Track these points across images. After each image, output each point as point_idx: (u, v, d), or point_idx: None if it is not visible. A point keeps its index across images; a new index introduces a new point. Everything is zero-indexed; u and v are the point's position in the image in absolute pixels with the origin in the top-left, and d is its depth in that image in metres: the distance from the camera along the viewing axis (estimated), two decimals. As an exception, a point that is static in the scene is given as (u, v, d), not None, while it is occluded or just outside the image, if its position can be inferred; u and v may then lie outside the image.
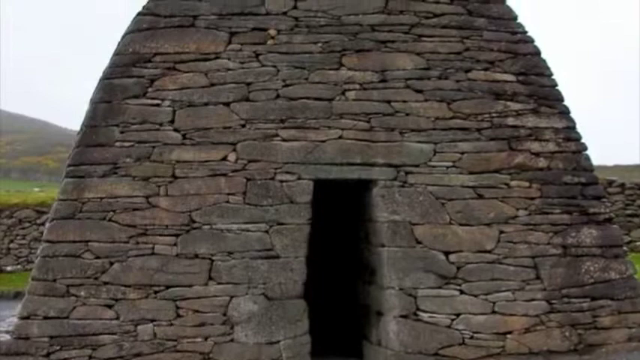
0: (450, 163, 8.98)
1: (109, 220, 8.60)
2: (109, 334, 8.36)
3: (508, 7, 9.55)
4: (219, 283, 8.55)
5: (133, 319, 8.39)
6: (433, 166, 8.96)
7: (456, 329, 8.61)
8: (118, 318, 8.39)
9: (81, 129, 8.98)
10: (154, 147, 8.76)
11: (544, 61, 9.42)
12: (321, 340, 9.20)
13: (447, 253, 8.77)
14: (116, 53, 9.09)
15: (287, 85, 9.01)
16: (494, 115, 9.11)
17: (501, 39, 9.36)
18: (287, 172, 8.81)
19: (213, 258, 8.58)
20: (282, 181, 8.79)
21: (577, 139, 9.22)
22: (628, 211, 21.25)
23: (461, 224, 8.84)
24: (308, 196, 8.80)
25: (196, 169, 8.74)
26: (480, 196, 8.93)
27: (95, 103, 8.90)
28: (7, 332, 8.57)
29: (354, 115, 8.97)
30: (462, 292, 8.70)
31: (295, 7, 9.24)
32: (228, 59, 9.04)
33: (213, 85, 8.96)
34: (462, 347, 8.61)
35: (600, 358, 8.61)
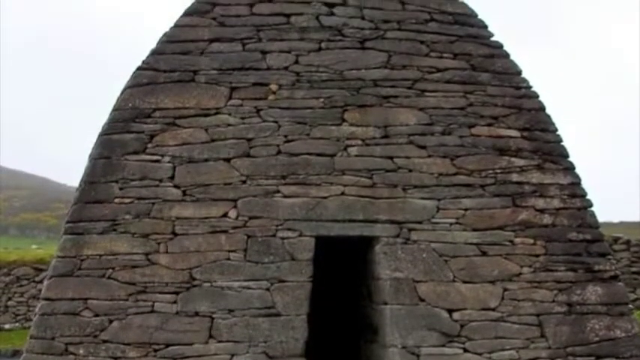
0: (454, 220, 9.60)
1: (108, 277, 9.17)
2: (108, 393, 8.93)
3: (512, 61, 10.26)
4: (219, 342, 9.06)
5: (132, 378, 8.93)
6: (436, 223, 9.57)
7: (460, 388, 9.21)
8: (117, 377, 8.92)
9: (80, 185, 9.60)
10: (153, 203, 9.39)
11: (549, 116, 10.09)
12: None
13: (450, 311, 9.33)
14: (115, 108, 9.75)
15: (288, 141, 9.68)
16: (498, 171, 9.78)
17: (505, 94, 10.07)
18: (288, 229, 9.42)
19: (214, 316, 9.11)
20: (283, 238, 9.39)
21: (582, 195, 9.84)
22: (633, 269, 21.91)
23: (464, 281, 9.42)
24: (309, 253, 9.39)
25: (196, 225, 9.35)
26: (484, 253, 9.52)
27: (94, 159, 9.56)
28: (5, 391, 9.22)
29: (356, 171, 9.63)
30: (465, 350, 9.23)
31: (297, 62, 9.97)
32: (229, 114, 9.72)
33: (213, 140, 9.62)
34: (466, 406, 9.21)
35: (605, 417, 9.22)
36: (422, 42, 10.22)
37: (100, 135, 9.70)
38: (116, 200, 9.42)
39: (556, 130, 10.07)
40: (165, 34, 10.10)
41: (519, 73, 10.26)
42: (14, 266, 23.99)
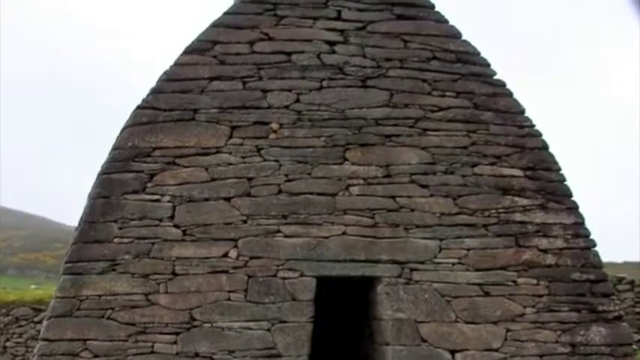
0: (456, 260, 9.95)
1: (108, 318, 9.51)
2: None
3: (515, 100, 10.65)
4: (220, 383, 9.44)
5: (132, 420, 9.32)
6: (439, 263, 9.92)
7: None
8: (116, 419, 9.29)
9: (79, 225, 9.97)
10: (153, 243, 9.76)
11: (552, 155, 10.46)
12: None
13: (453, 352, 9.67)
14: (115, 147, 10.14)
15: (289, 180, 10.07)
16: (501, 210, 10.15)
17: (508, 133, 10.44)
18: (289, 269, 9.78)
19: (214, 357, 9.45)
20: (284, 278, 9.74)
21: (586, 235, 10.19)
22: (638, 309, 22.11)
23: (467, 322, 9.76)
24: (311, 293, 9.74)
25: (197, 265, 9.71)
26: (487, 294, 9.87)
27: (93, 198, 9.94)
28: None
29: (357, 211, 10.02)
30: (468, 391, 9.62)
31: (298, 101, 10.37)
32: (230, 154, 10.11)
33: (213, 180, 10.01)
34: None
35: None
36: (424, 80, 10.61)
37: (100, 174, 10.07)
38: (115, 240, 9.78)
39: (559, 169, 10.42)
40: (165, 73, 10.50)
41: (522, 111, 10.63)
42: (13, 306, 24.12)
